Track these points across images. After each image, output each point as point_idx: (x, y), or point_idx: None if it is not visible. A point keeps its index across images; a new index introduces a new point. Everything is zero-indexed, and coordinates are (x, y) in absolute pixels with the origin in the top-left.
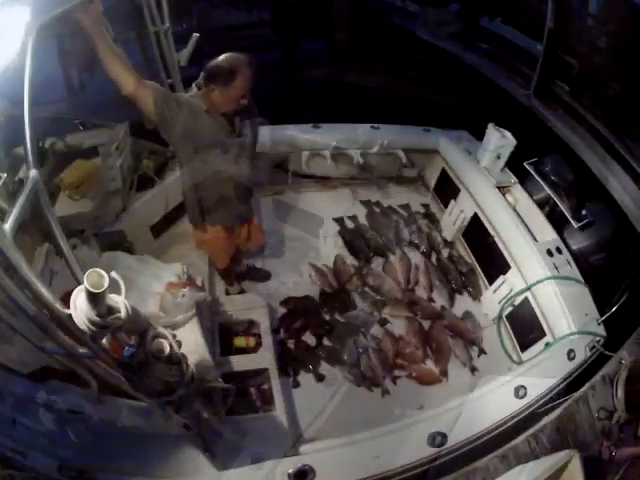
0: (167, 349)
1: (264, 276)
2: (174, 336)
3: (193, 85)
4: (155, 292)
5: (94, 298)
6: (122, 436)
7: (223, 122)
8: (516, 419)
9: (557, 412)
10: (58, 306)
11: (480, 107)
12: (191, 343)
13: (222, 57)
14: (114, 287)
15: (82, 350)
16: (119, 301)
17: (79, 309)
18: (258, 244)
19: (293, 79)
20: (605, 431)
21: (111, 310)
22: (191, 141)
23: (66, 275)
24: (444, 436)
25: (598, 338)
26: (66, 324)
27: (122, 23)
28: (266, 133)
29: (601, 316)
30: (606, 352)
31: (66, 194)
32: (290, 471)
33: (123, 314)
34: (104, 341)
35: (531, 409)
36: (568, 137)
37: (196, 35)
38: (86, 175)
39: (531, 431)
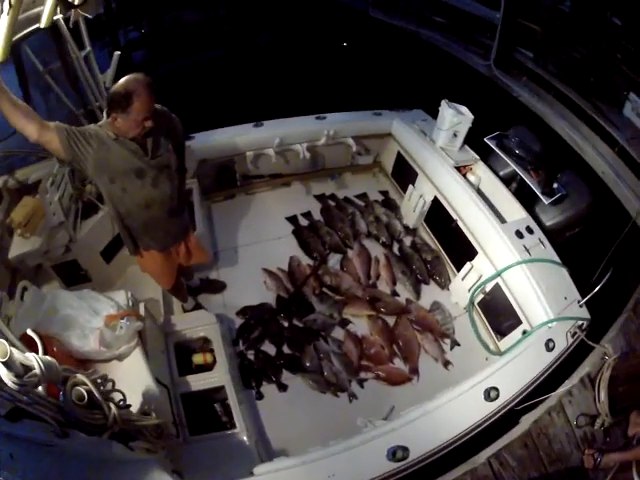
0: (86, 396)
1: (219, 287)
2: (95, 381)
3: (104, 113)
4: (95, 327)
5: (5, 364)
6: (98, 465)
7: (134, 147)
8: (487, 423)
9: (525, 426)
10: None
11: (440, 83)
12: (136, 373)
13: (118, 83)
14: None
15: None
16: (32, 359)
17: (1, 373)
18: (200, 261)
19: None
20: (587, 438)
21: (27, 368)
22: (105, 172)
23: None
24: (405, 449)
25: (580, 322)
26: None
27: (49, 54)
28: (208, 138)
29: (583, 297)
30: (588, 342)
31: (18, 234)
32: None
33: (37, 371)
34: (40, 388)
35: (505, 410)
36: (535, 105)
37: (117, 53)
38: (32, 212)
39: (493, 449)
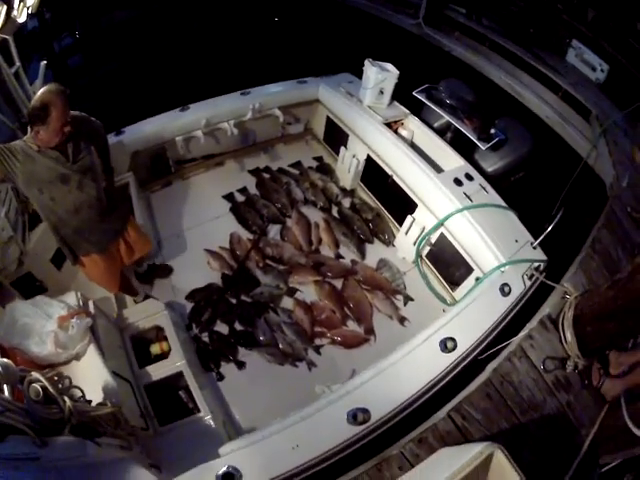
0: (41, 392)
1: (167, 271)
2: (51, 378)
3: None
4: (50, 331)
5: None
6: (79, 471)
7: (55, 154)
8: (448, 377)
9: (485, 375)
10: None
11: (369, 47)
12: (94, 370)
13: (34, 98)
14: None
15: None
16: None
17: None
18: (143, 253)
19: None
20: (561, 382)
21: None
22: (34, 183)
23: None
24: (366, 411)
25: (537, 264)
26: None
27: None
28: (138, 129)
29: (537, 239)
30: (546, 281)
31: None
32: (218, 473)
33: None
34: (7, 394)
35: (466, 361)
36: (469, 58)
37: (44, 63)
38: None
39: (453, 404)
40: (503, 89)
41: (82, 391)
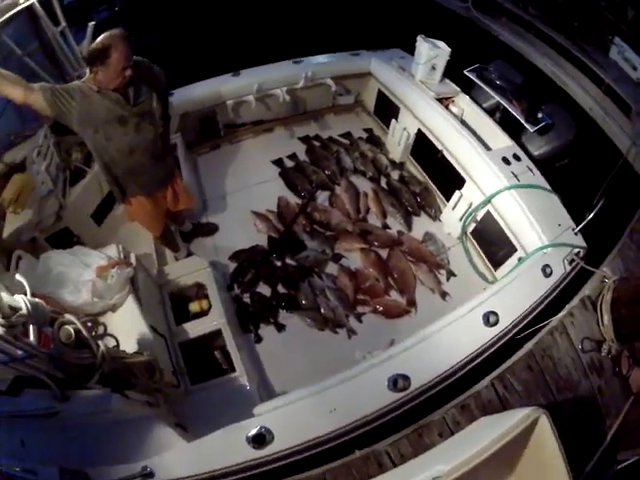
0: (73, 334)
1: (212, 229)
2: (85, 323)
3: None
4: (87, 280)
5: None
6: (99, 427)
7: (116, 97)
8: (489, 351)
9: (528, 346)
10: None
11: (417, 26)
12: (131, 321)
13: (95, 41)
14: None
15: (20, 352)
16: (19, 300)
17: None
18: (187, 206)
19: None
20: (595, 365)
21: (14, 310)
22: (89, 123)
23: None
24: (406, 378)
25: (577, 250)
26: None
27: (28, 37)
28: (187, 92)
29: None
30: (587, 267)
31: (10, 211)
32: (249, 434)
33: (24, 310)
34: (32, 339)
35: (506, 337)
36: (516, 44)
37: (92, 24)
38: (21, 187)
39: (496, 373)
40: (548, 77)
41: (117, 340)
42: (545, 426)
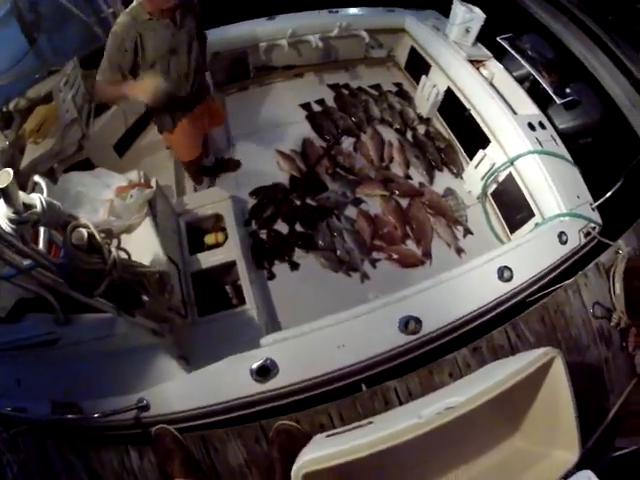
0: (85, 237)
1: (234, 165)
2: (103, 230)
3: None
4: (106, 200)
5: (5, 195)
6: (97, 358)
7: (167, 22)
8: (501, 306)
9: (543, 300)
10: None
11: None
12: (145, 244)
13: None
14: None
15: (26, 262)
16: (34, 197)
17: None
18: (220, 121)
19: None
20: (604, 334)
21: (28, 207)
22: (155, 56)
23: None
24: (418, 321)
25: (593, 225)
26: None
27: None
28: (220, 32)
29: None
30: (603, 239)
31: (31, 141)
32: (253, 366)
33: (39, 208)
34: (41, 246)
35: (519, 297)
36: (550, 24)
37: None
38: (44, 117)
39: (510, 320)
40: (579, 59)
41: (129, 254)
42: (559, 369)
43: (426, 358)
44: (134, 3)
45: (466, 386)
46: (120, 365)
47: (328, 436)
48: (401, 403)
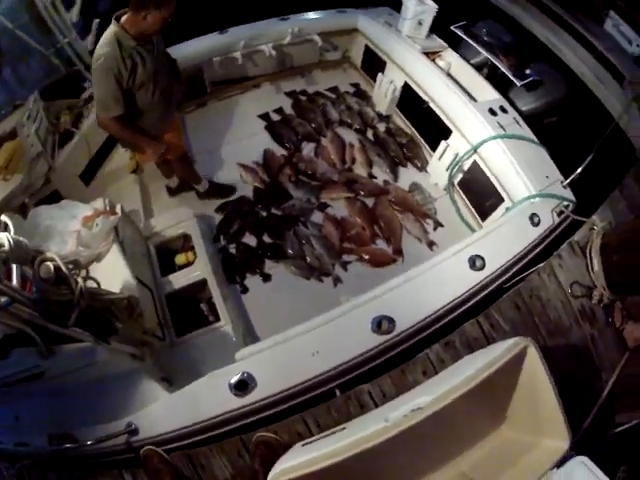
0: (52, 270)
1: (229, 191)
2: (67, 263)
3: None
4: (73, 230)
5: None
6: (85, 387)
7: (149, 47)
8: (476, 296)
9: (516, 286)
10: None
11: None
12: (114, 271)
13: None
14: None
15: (3, 299)
16: (2, 237)
17: None
18: (180, 149)
19: None
20: (586, 312)
21: None
22: (144, 80)
23: None
24: (391, 321)
25: (566, 203)
26: None
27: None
28: (173, 51)
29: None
30: (576, 217)
31: (0, 178)
32: (231, 381)
33: (6, 246)
34: (15, 282)
35: (494, 284)
36: (507, 7)
37: (97, 21)
38: (12, 153)
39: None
40: (540, 40)
41: (98, 282)
42: (534, 358)
43: (402, 357)
44: (110, 32)
45: (437, 384)
46: (107, 391)
47: (304, 444)
48: (377, 405)
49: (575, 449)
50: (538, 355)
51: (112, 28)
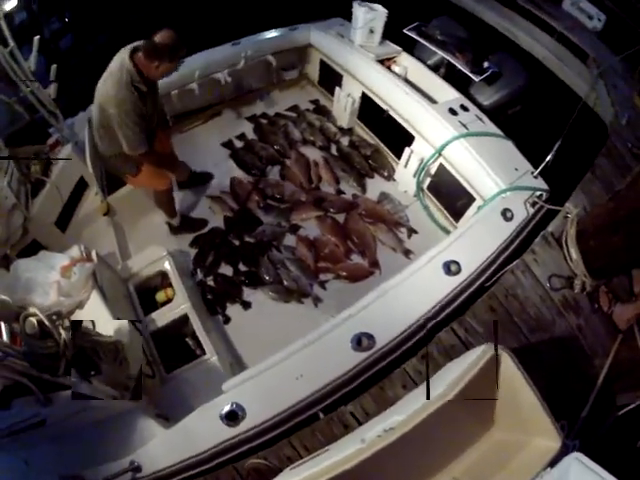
0: (36, 324)
1: (200, 225)
2: (50, 315)
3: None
4: (53, 281)
5: None
6: (87, 429)
7: (151, 89)
8: (455, 301)
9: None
10: None
11: None
12: (96, 316)
13: (165, 36)
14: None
15: None
16: None
17: None
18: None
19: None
20: (570, 303)
21: None
22: (151, 109)
23: None
24: (370, 337)
25: (539, 193)
26: None
27: None
28: None
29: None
30: (549, 206)
31: None
32: (222, 412)
33: None
34: (5, 338)
35: (473, 286)
36: (461, 1)
37: (37, 38)
38: None
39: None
40: (496, 29)
41: (93, 324)
42: (509, 365)
43: (384, 372)
44: (124, 71)
45: (412, 401)
46: (108, 432)
47: (292, 468)
48: (360, 424)
49: (577, 438)
50: (510, 358)
51: (126, 66)
